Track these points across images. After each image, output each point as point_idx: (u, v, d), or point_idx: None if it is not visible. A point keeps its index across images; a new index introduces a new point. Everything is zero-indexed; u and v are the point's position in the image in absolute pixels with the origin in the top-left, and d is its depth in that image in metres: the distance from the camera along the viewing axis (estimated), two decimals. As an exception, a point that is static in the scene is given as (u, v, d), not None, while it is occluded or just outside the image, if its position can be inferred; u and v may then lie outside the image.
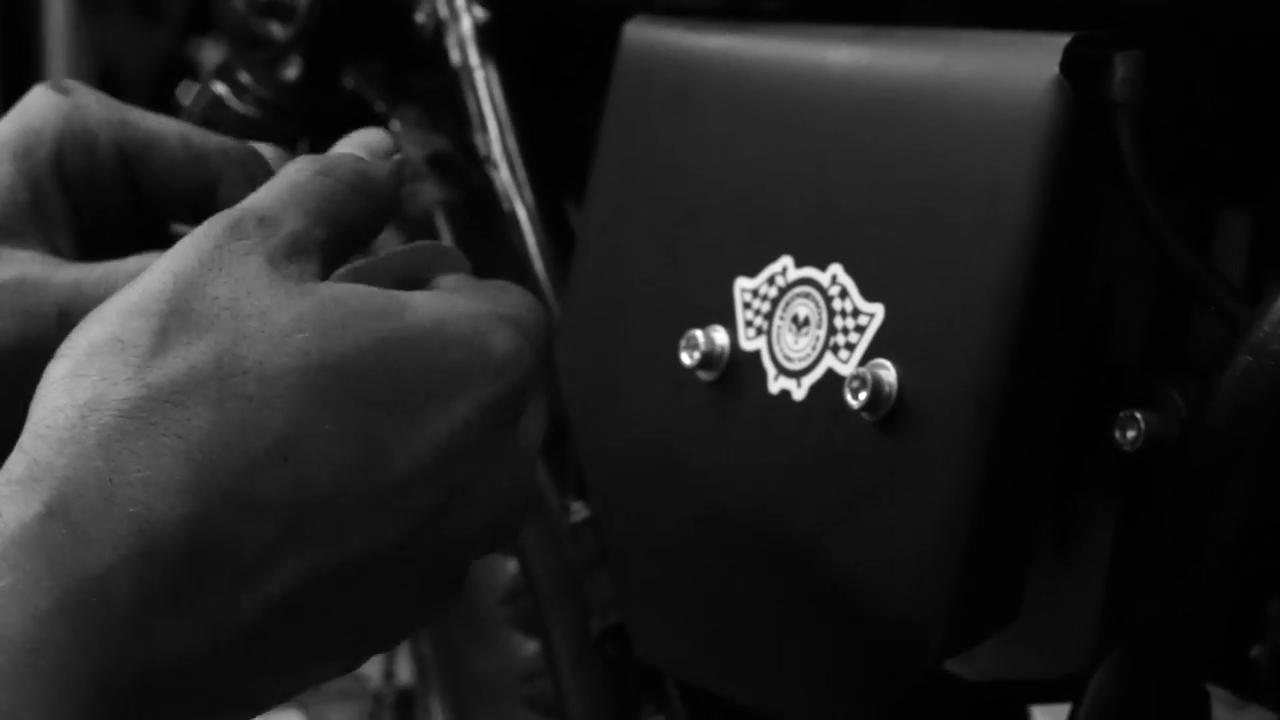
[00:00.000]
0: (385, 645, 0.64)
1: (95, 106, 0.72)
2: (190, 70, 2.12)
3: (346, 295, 0.61)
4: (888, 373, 0.70)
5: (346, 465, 0.59)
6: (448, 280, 0.66)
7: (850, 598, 0.71)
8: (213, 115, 0.95)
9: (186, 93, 2.08)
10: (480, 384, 0.62)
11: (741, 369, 0.75)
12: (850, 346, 0.71)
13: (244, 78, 0.95)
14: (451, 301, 0.63)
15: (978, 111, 0.69)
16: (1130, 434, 0.69)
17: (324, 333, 0.59)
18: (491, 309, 0.64)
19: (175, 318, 0.59)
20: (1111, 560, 0.71)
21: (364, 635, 0.62)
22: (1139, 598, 0.68)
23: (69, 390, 0.58)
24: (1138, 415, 0.69)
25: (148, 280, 0.60)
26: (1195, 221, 0.73)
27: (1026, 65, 0.68)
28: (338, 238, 0.64)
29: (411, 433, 0.60)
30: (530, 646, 0.97)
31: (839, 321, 0.72)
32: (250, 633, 0.58)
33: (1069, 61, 0.67)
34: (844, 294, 0.72)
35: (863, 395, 0.70)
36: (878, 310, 0.71)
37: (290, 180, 0.64)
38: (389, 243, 1.01)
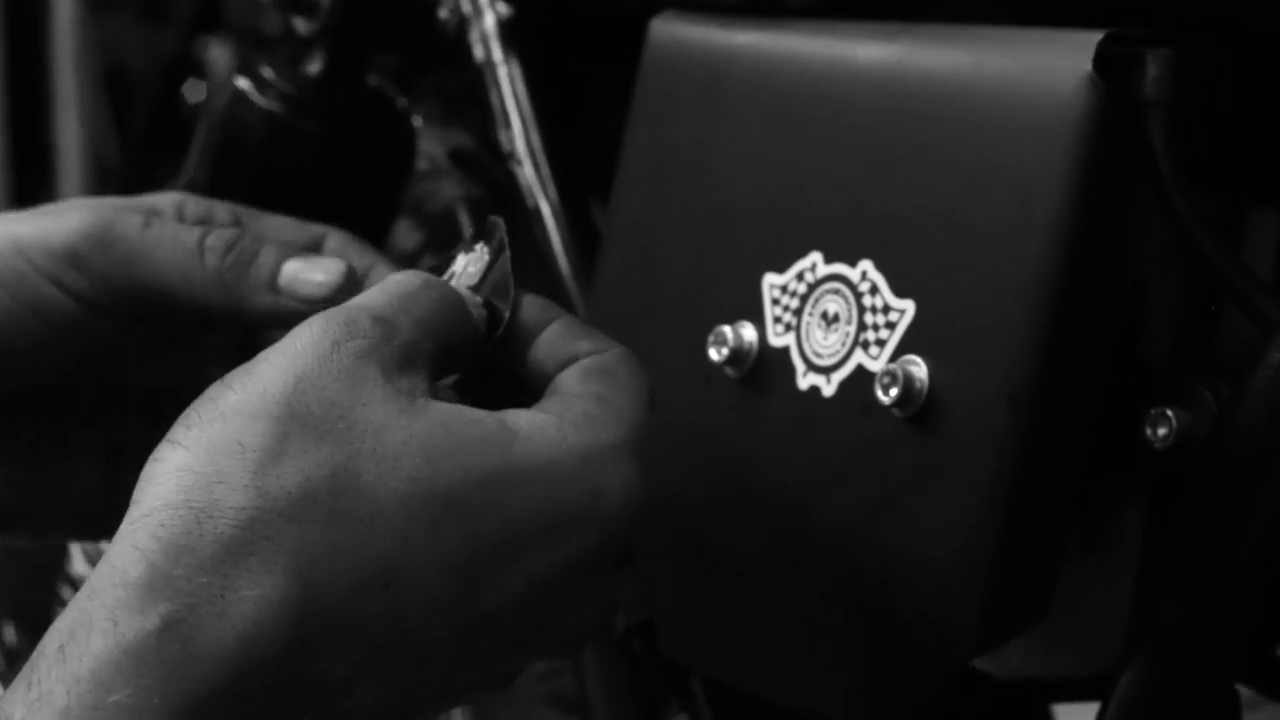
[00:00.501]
0: None
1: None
2: (197, 69, 2.11)
3: (455, 420, 0.61)
4: (919, 369, 0.70)
5: (442, 596, 0.59)
6: (566, 381, 0.65)
7: (882, 594, 0.71)
8: (236, 111, 0.94)
9: (193, 91, 2.07)
10: (588, 530, 0.62)
11: (770, 365, 0.75)
12: (880, 343, 0.71)
13: (267, 73, 0.94)
14: (563, 434, 0.62)
15: (1009, 108, 0.69)
16: (1161, 431, 0.69)
17: (433, 460, 0.59)
18: (608, 440, 0.63)
19: (294, 423, 0.59)
20: (1141, 558, 0.71)
21: None
22: (1168, 596, 0.67)
23: (185, 489, 0.58)
24: (1169, 413, 0.69)
25: (269, 378, 0.60)
26: (1226, 220, 0.72)
27: (1058, 62, 0.68)
28: (441, 353, 0.64)
29: (510, 570, 0.61)
30: None
31: (869, 318, 0.72)
32: None
33: (1101, 59, 0.67)
34: (874, 290, 0.72)
35: (893, 391, 0.70)
36: (908, 306, 0.71)
37: (400, 287, 0.64)
38: (408, 237, 1.01)
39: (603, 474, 0.63)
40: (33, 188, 3.35)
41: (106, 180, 2.97)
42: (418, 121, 1.00)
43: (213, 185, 0.94)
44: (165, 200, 0.79)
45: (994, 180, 0.69)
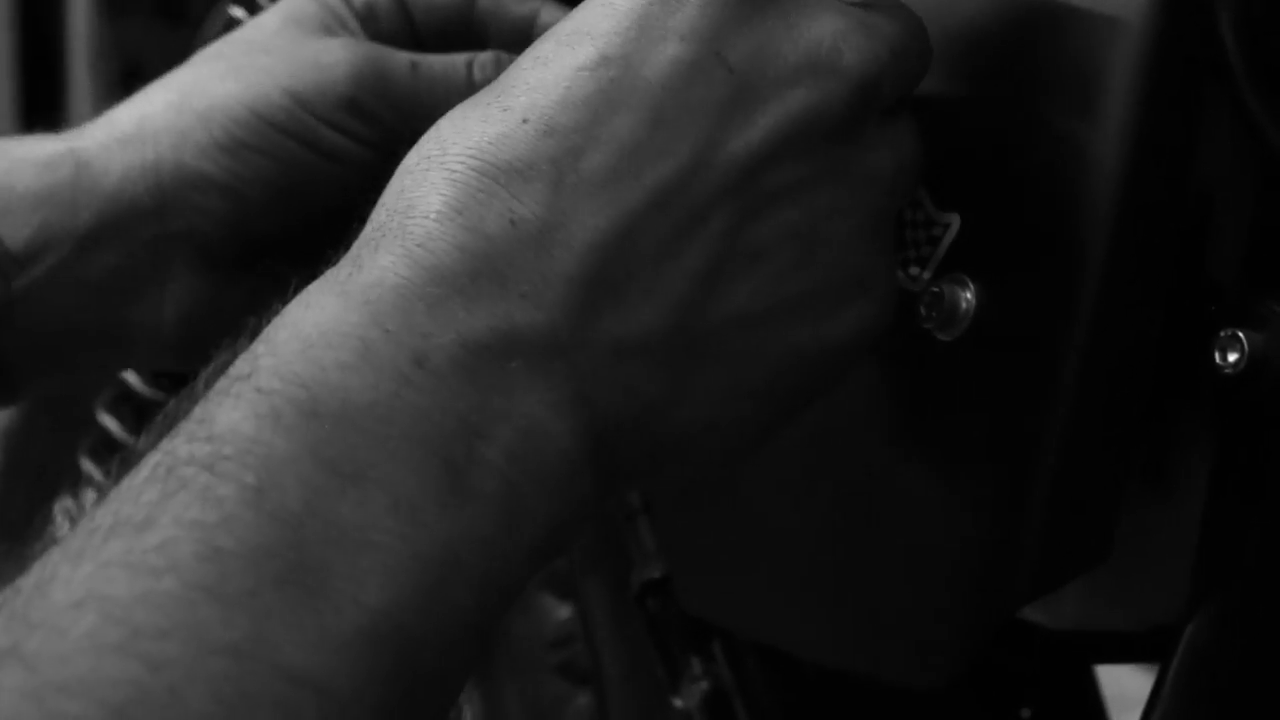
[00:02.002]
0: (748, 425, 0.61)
1: None
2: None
3: None
4: (964, 288, 0.64)
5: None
6: None
7: (923, 537, 0.66)
8: (230, 38, 0.90)
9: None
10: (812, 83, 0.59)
11: (799, 290, 0.70)
12: (922, 261, 0.66)
13: (263, 0, 0.90)
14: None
15: (1067, 5, 0.63)
16: (1232, 355, 0.63)
17: None
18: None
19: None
20: (1209, 495, 0.65)
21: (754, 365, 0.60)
22: (1243, 534, 0.63)
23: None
24: (1240, 334, 0.63)
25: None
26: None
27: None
28: None
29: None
30: (563, 611, 0.92)
31: (909, 233, 0.66)
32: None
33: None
34: (915, 203, 0.66)
35: (936, 313, 0.65)
36: (953, 220, 0.65)
37: None
38: None
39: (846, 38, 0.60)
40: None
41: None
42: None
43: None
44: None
45: (1048, 80, 0.64)
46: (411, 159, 0.58)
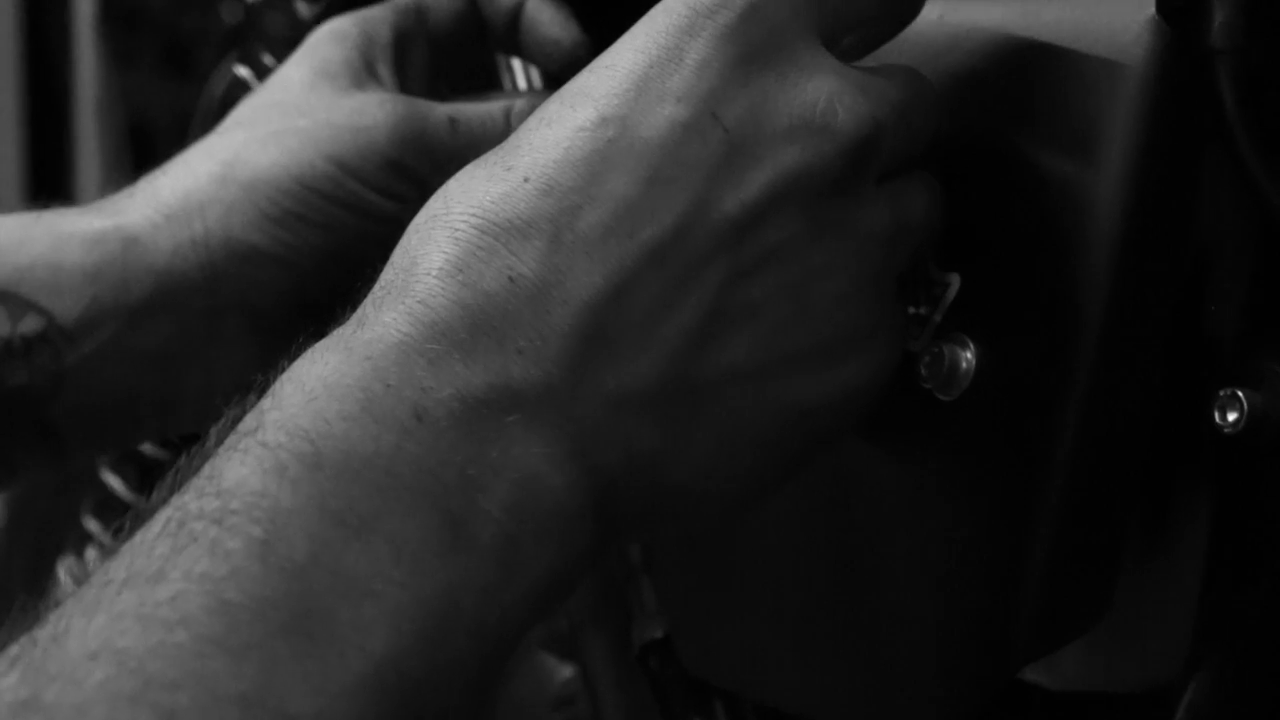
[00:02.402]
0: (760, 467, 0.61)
1: None
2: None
3: None
4: (964, 348, 0.64)
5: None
6: None
7: (921, 597, 0.65)
8: (234, 98, 0.90)
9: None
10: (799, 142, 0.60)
11: (800, 350, 0.69)
12: (922, 320, 0.65)
13: (267, 59, 0.90)
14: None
15: (1065, 58, 0.63)
16: (1231, 415, 0.63)
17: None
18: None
19: None
20: (1209, 554, 0.65)
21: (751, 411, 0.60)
22: (1242, 594, 0.63)
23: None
24: (1239, 394, 0.63)
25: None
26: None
27: (1118, 7, 0.62)
28: None
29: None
30: (565, 671, 0.91)
31: (910, 292, 0.66)
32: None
33: (1164, 4, 0.61)
34: (917, 262, 0.66)
35: (936, 373, 0.64)
36: (953, 279, 0.65)
37: None
38: None
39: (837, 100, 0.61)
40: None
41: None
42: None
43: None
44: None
45: (1049, 138, 0.64)
46: (420, 217, 0.59)
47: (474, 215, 0.58)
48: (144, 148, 3.30)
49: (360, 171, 0.77)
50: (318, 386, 0.54)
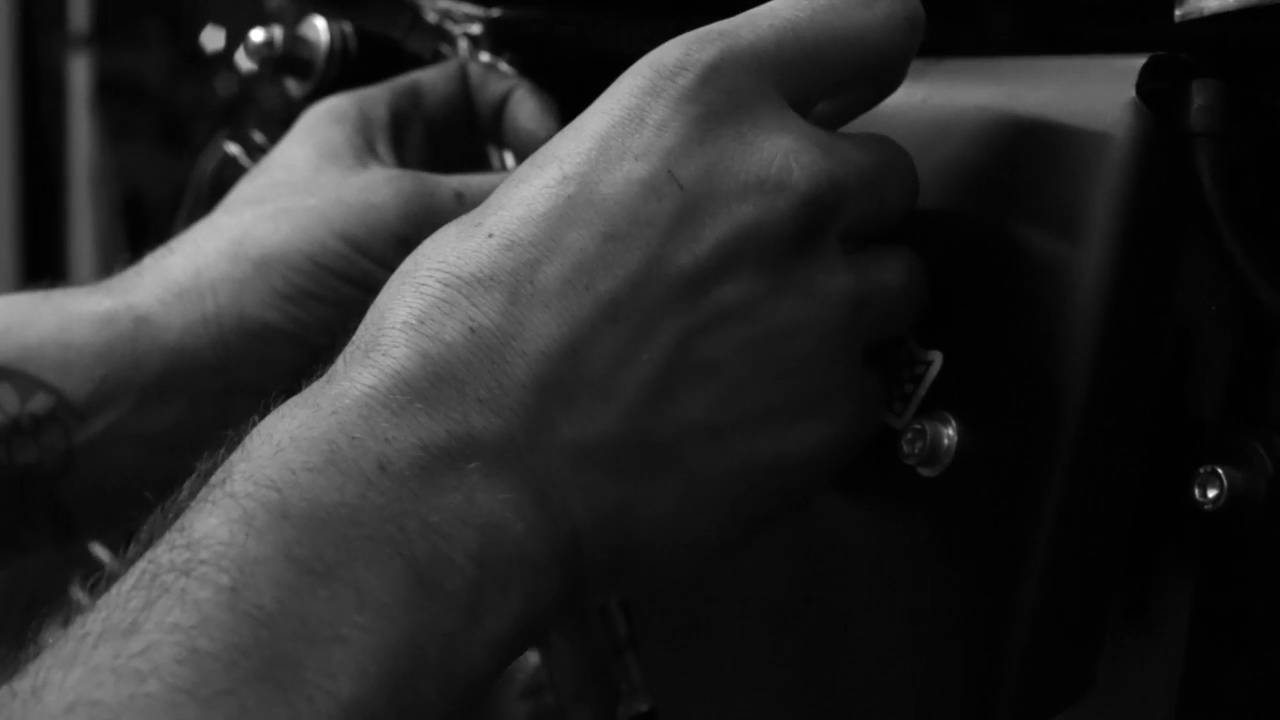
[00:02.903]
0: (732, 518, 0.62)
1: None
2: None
3: None
4: (947, 425, 0.64)
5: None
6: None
7: (905, 671, 0.65)
8: (226, 175, 0.90)
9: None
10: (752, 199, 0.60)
11: (785, 427, 0.69)
12: (905, 398, 0.66)
13: (257, 137, 0.90)
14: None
15: (1047, 140, 0.64)
16: (1212, 492, 0.63)
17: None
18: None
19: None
20: (1191, 631, 0.65)
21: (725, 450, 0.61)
22: (1223, 672, 0.63)
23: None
24: (1220, 471, 0.63)
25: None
26: (1280, 266, 0.67)
27: (1099, 90, 0.63)
28: None
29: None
30: (532, 659, 0.91)
31: (892, 371, 0.66)
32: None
33: (1143, 89, 0.62)
34: (899, 341, 0.66)
35: (919, 450, 0.64)
36: (935, 358, 0.66)
37: None
38: None
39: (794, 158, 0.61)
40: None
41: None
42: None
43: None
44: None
45: (1029, 218, 0.64)
46: (393, 277, 0.61)
47: (439, 270, 0.59)
48: (138, 219, 3.31)
49: (371, 248, 0.78)
50: (284, 440, 0.55)
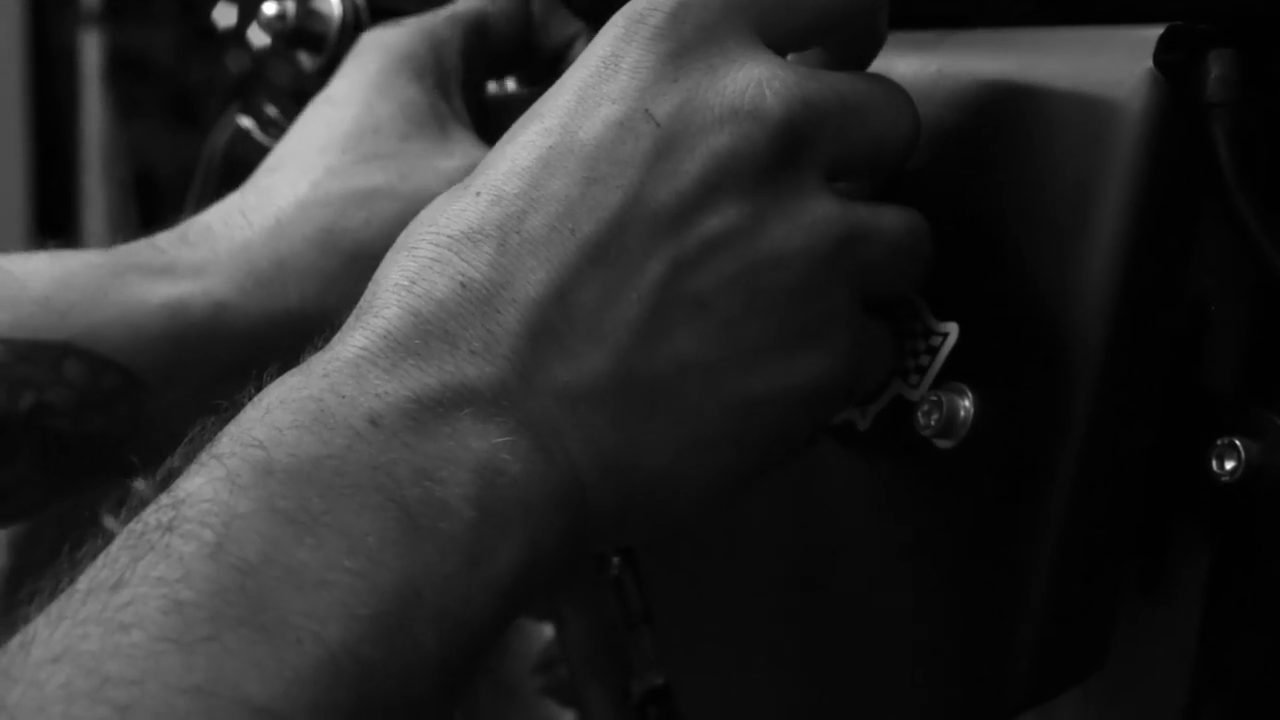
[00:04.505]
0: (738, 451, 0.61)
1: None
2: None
3: None
4: (962, 397, 0.64)
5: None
6: None
7: (920, 645, 0.65)
8: (237, 149, 0.90)
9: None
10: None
11: (799, 400, 0.69)
12: (920, 370, 0.66)
13: (270, 110, 0.90)
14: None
15: (1062, 111, 0.63)
16: (1229, 464, 0.63)
17: None
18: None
19: None
20: (1206, 603, 0.65)
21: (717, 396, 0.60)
22: (1238, 644, 0.63)
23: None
24: (1236, 443, 0.63)
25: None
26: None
27: (1115, 60, 0.63)
28: None
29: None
30: (546, 632, 0.91)
31: (907, 344, 0.66)
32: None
33: (1160, 60, 0.62)
34: (913, 314, 0.66)
35: (934, 421, 0.64)
36: (951, 330, 0.65)
37: None
38: None
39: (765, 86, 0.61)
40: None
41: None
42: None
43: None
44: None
45: (1045, 190, 0.64)
46: (392, 248, 0.61)
47: (430, 232, 0.60)
48: (150, 196, 3.30)
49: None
50: (274, 402, 0.56)
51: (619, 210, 0.59)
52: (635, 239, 0.59)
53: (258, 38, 0.90)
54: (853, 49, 0.66)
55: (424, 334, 0.57)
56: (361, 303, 0.59)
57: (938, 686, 0.64)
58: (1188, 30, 0.62)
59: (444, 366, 0.57)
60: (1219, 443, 0.63)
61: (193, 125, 3.01)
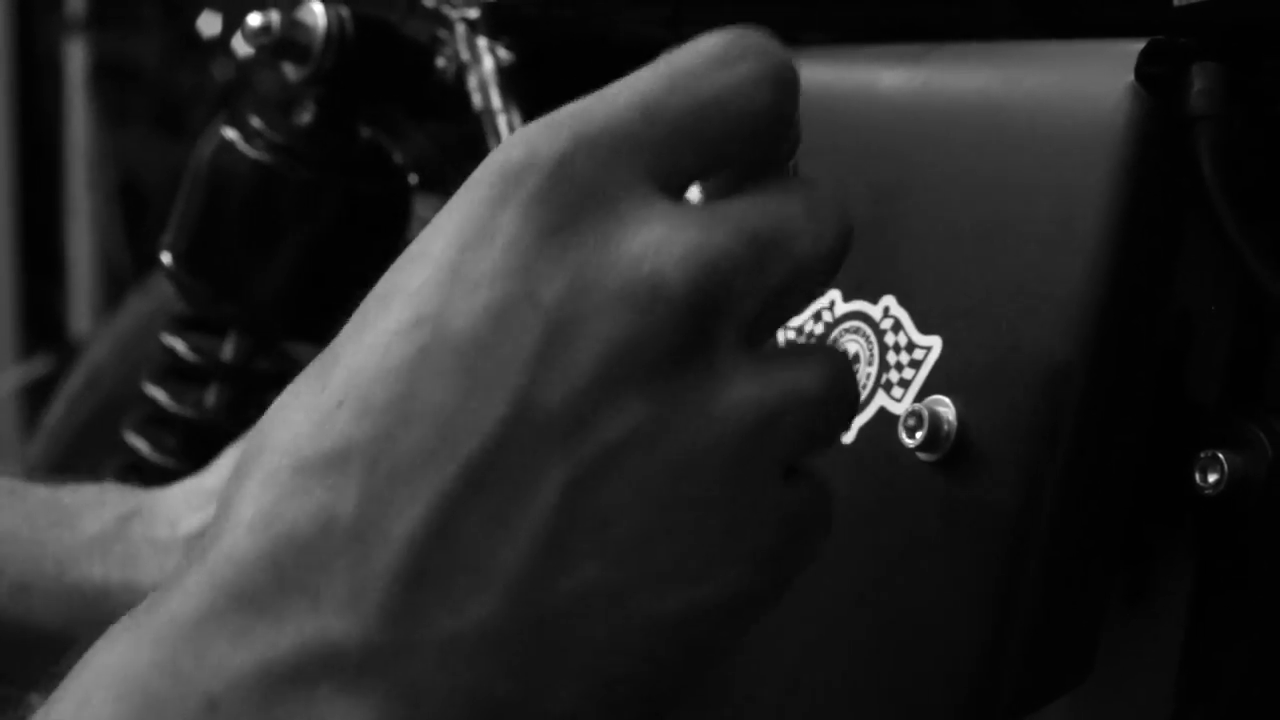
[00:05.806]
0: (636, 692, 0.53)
1: None
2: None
3: None
4: (946, 409, 0.64)
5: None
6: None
7: (906, 656, 0.65)
8: (222, 161, 0.90)
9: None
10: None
11: (785, 412, 0.69)
12: (904, 383, 0.66)
13: (255, 122, 0.90)
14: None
15: (1045, 124, 0.64)
16: (1212, 476, 0.63)
17: None
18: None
19: None
20: (1190, 615, 0.65)
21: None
22: (1223, 656, 0.63)
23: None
24: (1220, 456, 0.63)
25: None
26: (1280, 249, 0.67)
27: (1098, 74, 0.63)
28: None
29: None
30: None
31: (891, 357, 0.66)
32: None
33: (1142, 72, 0.62)
34: (897, 327, 0.66)
35: (919, 434, 0.64)
36: (934, 343, 0.65)
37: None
38: None
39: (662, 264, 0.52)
40: (44, 295, 3.33)
41: (118, 290, 2.96)
42: (413, 179, 0.95)
43: (197, 238, 0.90)
44: None
45: (1028, 203, 0.64)
46: (242, 455, 0.53)
47: (287, 452, 0.51)
48: (135, 203, 3.30)
49: None
50: (93, 684, 0.49)
51: (503, 423, 0.50)
52: (521, 454, 0.50)
53: (242, 48, 0.90)
54: (768, 160, 0.56)
55: (282, 587, 0.50)
56: (208, 536, 0.51)
57: (922, 697, 0.65)
58: (1171, 44, 0.62)
59: (303, 626, 0.49)
60: (1203, 455, 0.64)
61: (179, 133, 3.01)
